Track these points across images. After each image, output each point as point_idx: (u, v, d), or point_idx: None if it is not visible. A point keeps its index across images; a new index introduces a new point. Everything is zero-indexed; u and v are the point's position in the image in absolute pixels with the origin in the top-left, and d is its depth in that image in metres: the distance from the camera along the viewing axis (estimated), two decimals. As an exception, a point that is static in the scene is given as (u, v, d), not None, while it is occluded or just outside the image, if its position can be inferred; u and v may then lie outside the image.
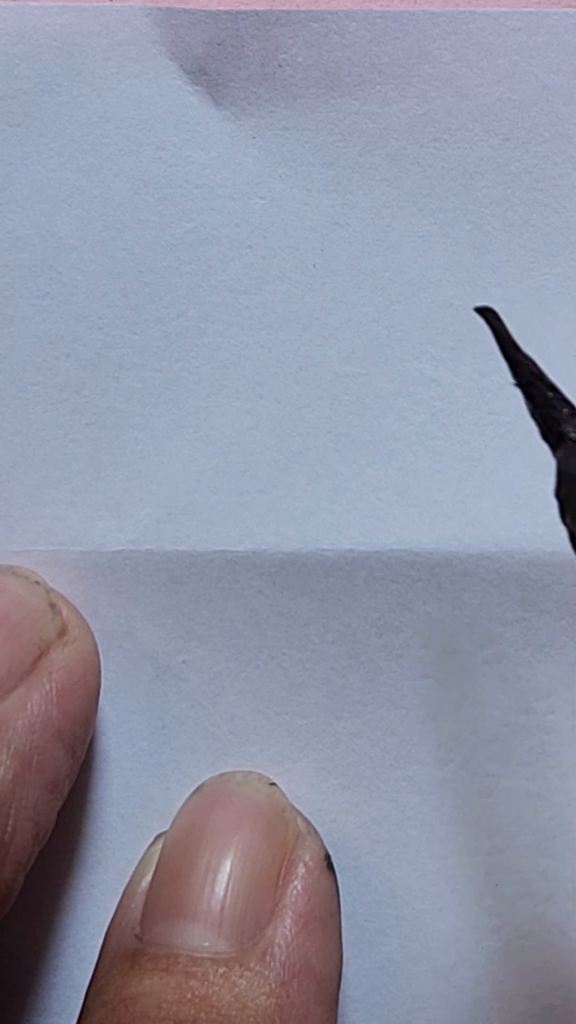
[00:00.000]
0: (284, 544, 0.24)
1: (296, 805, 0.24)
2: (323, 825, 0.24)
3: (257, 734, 0.24)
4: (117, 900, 0.23)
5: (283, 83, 0.24)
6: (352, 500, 0.24)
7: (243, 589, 0.24)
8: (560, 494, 0.18)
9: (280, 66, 0.24)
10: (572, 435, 0.18)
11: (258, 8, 0.24)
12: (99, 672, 0.24)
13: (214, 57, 0.24)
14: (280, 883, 0.22)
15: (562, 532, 0.24)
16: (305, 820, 0.23)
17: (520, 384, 0.19)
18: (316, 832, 0.23)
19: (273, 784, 0.23)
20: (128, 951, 0.21)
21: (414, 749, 0.24)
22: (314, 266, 0.25)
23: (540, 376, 0.19)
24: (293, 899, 0.22)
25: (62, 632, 0.23)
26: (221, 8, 0.24)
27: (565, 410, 0.19)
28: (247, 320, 0.25)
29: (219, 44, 0.24)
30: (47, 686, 0.22)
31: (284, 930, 0.21)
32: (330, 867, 0.23)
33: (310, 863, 0.22)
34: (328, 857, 0.23)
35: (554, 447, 0.19)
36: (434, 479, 0.24)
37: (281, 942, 0.21)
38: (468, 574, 0.24)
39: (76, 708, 0.22)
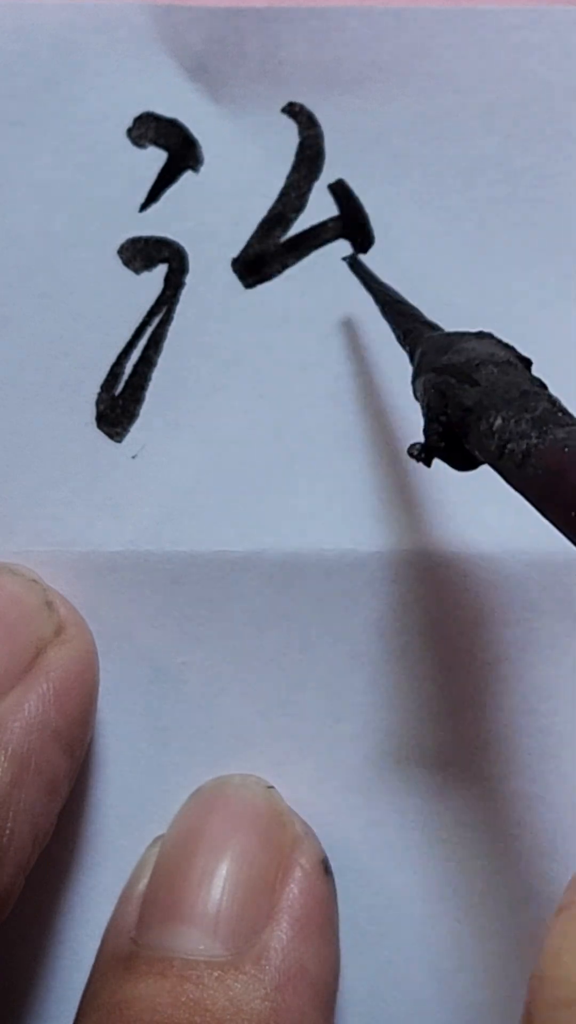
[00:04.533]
0: (284, 544, 0.24)
1: (295, 808, 0.23)
2: (322, 828, 0.24)
3: (256, 736, 0.24)
4: (115, 903, 0.23)
5: (283, 80, 0.24)
6: (352, 500, 0.24)
7: (243, 589, 0.24)
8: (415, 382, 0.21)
9: (280, 63, 0.24)
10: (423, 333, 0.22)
11: (258, 5, 0.24)
12: (97, 671, 0.24)
13: (214, 54, 0.24)
14: (277, 887, 0.22)
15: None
16: (303, 823, 0.23)
17: (380, 302, 0.23)
18: (314, 835, 0.23)
19: (271, 787, 0.23)
20: (124, 954, 0.21)
21: (415, 752, 0.24)
22: (314, 264, 0.24)
23: (395, 297, 0.23)
24: (289, 903, 0.22)
25: (59, 631, 0.23)
26: (221, 5, 0.24)
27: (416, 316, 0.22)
28: (247, 320, 0.24)
29: (219, 41, 0.24)
30: (44, 686, 0.22)
31: (280, 934, 0.21)
32: (327, 871, 0.23)
33: (307, 867, 0.22)
34: (326, 860, 0.23)
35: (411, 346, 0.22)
36: (435, 479, 0.24)
37: (277, 946, 0.21)
38: (469, 575, 0.24)
39: (74, 708, 0.22)
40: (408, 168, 0.24)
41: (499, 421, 0.19)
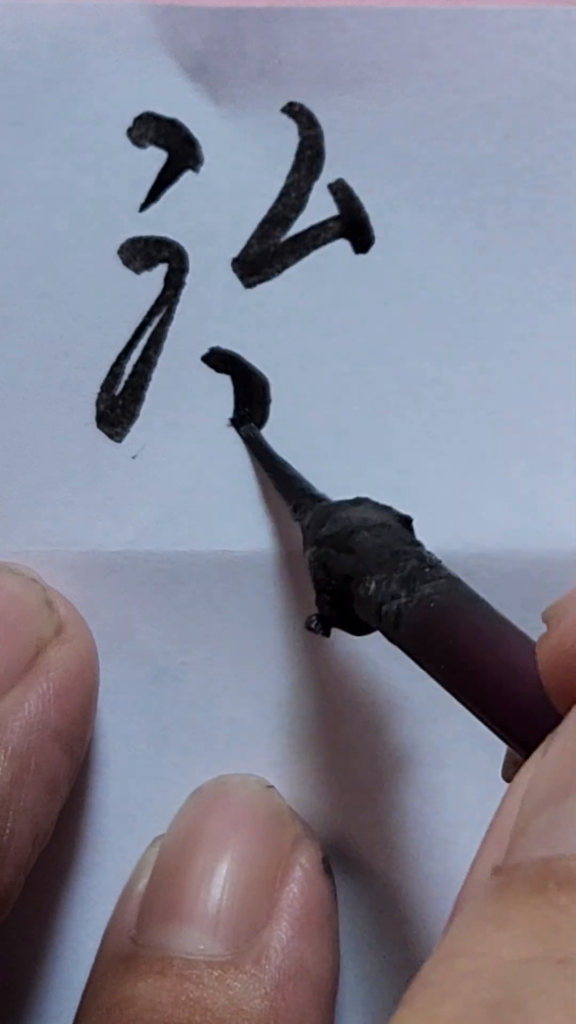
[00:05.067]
0: (284, 544, 0.24)
1: (295, 808, 0.23)
2: (322, 828, 0.24)
3: (256, 736, 0.24)
4: (115, 903, 0.23)
5: (283, 80, 0.24)
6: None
7: (243, 589, 0.24)
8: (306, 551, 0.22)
9: (280, 63, 0.24)
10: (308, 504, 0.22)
11: (258, 5, 0.24)
12: (97, 671, 0.24)
13: (214, 54, 0.24)
14: (276, 886, 0.22)
15: (563, 531, 0.24)
16: (303, 823, 0.23)
17: (272, 478, 0.24)
18: (314, 835, 0.23)
19: (271, 786, 0.23)
20: (124, 954, 0.21)
21: (414, 751, 0.24)
22: (314, 264, 0.24)
23: (287, 471, 0.24)
24: (289, 902, 0.22)
25: (59, 630, 0.23)
26: (221, 5, 0.24)
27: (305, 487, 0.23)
28: (247, 320, 0.24)
29: (219, 41, 0.24)
30: (44, 685, 0.22)
31: (280, 933, 0.21)
32: (327, 870, 0.23)
33: (307, 866, 0.22)
34: (326, 860, 0.23)
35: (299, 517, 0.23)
36: (434, 479, 0.24)
37: (276, 945, 0.21)
38: (469, 574, 0.24)
39: (74, 707, 0.22)
40: (408, 168, 0.24)
41: (373, 585, 0.19)
